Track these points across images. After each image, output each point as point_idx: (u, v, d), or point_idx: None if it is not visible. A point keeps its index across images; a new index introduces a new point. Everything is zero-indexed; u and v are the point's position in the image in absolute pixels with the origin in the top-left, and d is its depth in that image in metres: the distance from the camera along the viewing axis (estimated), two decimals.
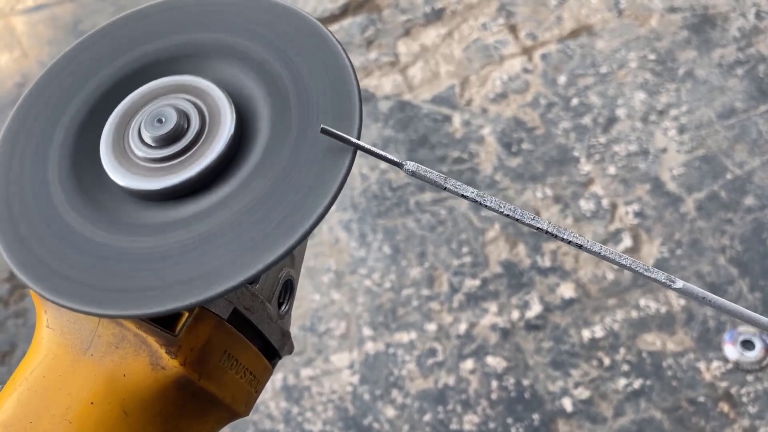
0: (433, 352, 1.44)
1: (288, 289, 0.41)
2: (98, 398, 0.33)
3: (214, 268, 0.30)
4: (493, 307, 1.46)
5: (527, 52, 1.78)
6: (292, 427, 1.41)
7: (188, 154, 0.34)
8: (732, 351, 1.33)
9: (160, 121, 0.34)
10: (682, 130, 1.59)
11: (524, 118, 1.68)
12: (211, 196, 0.33)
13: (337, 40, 0.36)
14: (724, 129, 1.58)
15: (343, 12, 1.96)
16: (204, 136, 0.34)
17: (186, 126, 0.34)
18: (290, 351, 0.42)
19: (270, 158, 0.33)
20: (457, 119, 1.71)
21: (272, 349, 0.40)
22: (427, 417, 1.38)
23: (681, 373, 1.34)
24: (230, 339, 0.36)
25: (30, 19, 2.16)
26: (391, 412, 1.39)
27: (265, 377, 0.39)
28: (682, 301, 1.39)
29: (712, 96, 1.62)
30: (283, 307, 0.40)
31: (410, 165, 0.33)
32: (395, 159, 0.33)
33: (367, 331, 1.48)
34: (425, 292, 1.50)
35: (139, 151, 0.34)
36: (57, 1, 2.18)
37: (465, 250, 1.53)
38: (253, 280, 0.30)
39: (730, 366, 1.33)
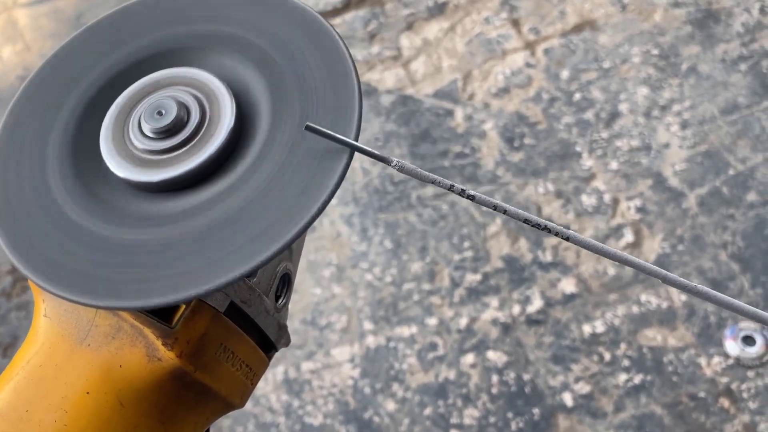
0: (433, 347, 1.44)
1: (285, 283, 0.41)
2: (94, 388, 0.33)
3: (212, 261, 0.30)
4: (494, 301, 1.46)
5: (530, 46, 1.77)
6: (293, 420, 1.42)
7: (188, 146, 0.34)
8: (733, 346, 1.33)
9: (160, 113, 0.34)
10: (684, 125, 1.59)
11: (527, 113, 1.67)
12: (211, 189, 0.33)
13: (338, 33, 0.36)
14: (727, 125, 1.57)
15: (346, 5, 1.95)
16: (204, 129, 0.34)
17: (186, 118, 0.34)
18: (287, 344, 0.42)
19: (270, 151, 0.33)
20: (459, 114, 1.70)
21: (269, 342, 0.40)
22: (428, 411, 1.38)
23: (681, 369, 1.34)
24: (227, 332, 0.36)
25: (32, 12, 2.16)
26: (391, 405, 1.40)
27: (261, 370, 0.40)
28: (684, 297, 1.39)
29: (715, 91, 1.62)
30: (280, 301, 0.40)
31: (397, 162, 0.33)
32: (383, 156, 0.33)
33: (367, 325, 1.48)
34: (426, 286, 1.50)
35: (139, 143, 0.34)
36: None
37: (466, 244, 1.53)
38: (251, 274, 0.30)
39: (730, 361, 1.33)
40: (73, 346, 0.34)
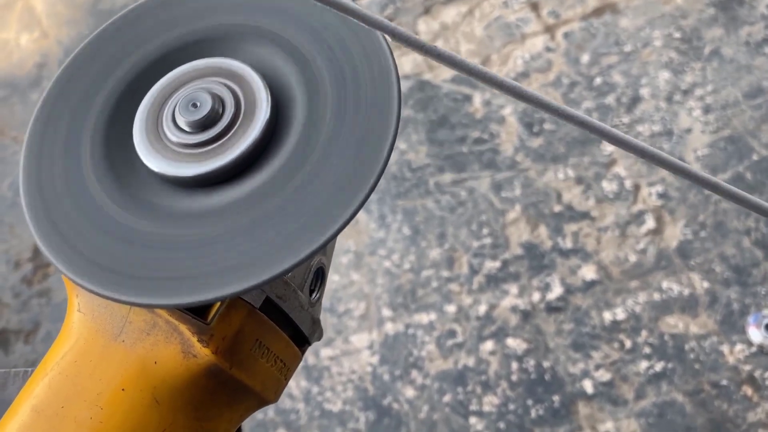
0: (452, 334, 1.43)
1: (319, 277, 0.40)
2: (129, 385, 0.33)
3: (250, 259, 0.30)
4: (513, 288, 1.45)
5: (549, 30, 1.75)
6: (312, 407, 1.42)
7: (223, 139, 0.33)
8: (756, 334, 1.31)
9: (194, 105, 0.33)
10: (707, 110, 1.56)
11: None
12: (247, 184, 0.32)
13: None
14: (751, 109, 1.55)
15: None
16: (239, 121, 0.33)
17: (221, 111, 0.33)
18: (319, 338, 0.41)
19: (306, 145, 0.32)
20: (477, 99, 1.69)
21: (302, 337, 0.39)
22: (447, 398, 1.38)
23: (704, 356, 1.32)
24: (262, 328, 0.35)
25: None
26: (410, 392, 1.40)
27: (294, 364, 0.39)
28: (706, 284, 1.38)
29: (739, 75, 1.59)
30: (314, 295, 0.39)
31: None
32: None
33: (386, 312, 1.48)
34: (445, 273, 1.50)
35: (174, 137, 0.34)
36: None
37: (485, 231, 1.52)
38: (291, 271, 0.29)
39: (753, 349, 1.31)
40: (108, 342, 0.34)
